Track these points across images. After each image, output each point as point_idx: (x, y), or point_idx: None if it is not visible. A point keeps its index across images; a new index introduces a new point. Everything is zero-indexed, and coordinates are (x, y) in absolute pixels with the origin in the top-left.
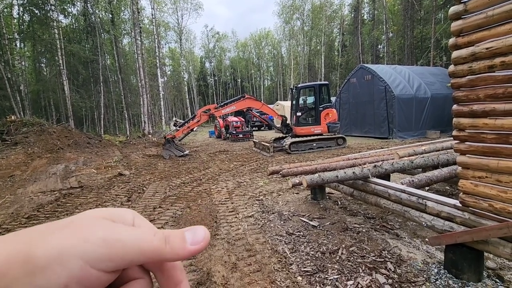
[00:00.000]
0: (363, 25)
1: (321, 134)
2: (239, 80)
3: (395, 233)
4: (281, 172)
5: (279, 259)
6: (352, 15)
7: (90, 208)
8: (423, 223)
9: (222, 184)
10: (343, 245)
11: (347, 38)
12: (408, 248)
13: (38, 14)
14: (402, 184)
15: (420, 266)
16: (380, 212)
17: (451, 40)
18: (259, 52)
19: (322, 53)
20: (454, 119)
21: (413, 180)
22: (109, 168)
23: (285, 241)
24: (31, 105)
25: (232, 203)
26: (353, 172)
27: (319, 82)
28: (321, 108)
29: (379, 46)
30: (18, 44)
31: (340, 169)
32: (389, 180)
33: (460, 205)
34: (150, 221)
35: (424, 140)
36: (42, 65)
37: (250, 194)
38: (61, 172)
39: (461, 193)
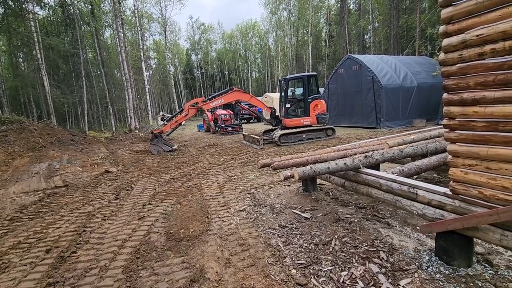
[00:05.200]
0: (350, 15)
1: (310, 126)
2: (227, 73)
3: (386, 222)
4: (272, 165)
5: (273, 252)
6: (339, 4)
7: (77, 208)
8: (415, 211)
9: (213, 179)
10: (336, 236)
11: (333, 29)
12: (399, 237)
13: (13, 6)
14: (393, 174)
15: (412, 254)
16: (371, 202)
17: (441, 28)
18: (246, 44)
19: (309, 43)
20: (445, 108)
21: (403, 170)
22: (95, 166)
23: (278, 234)
24: (10, 102)
25: (224, 197)
26: (345, 163)
27: (307, 73)
28: (310, 99)
29: (366, 36)
30: None
31: (331, 160)
32: (379, 170)
33: (451, 193)
34: (140, 218)
35: (411, 129)
36: (20, 59)
37: (241, 188)
38: (45, 171)
39: (452, 181)
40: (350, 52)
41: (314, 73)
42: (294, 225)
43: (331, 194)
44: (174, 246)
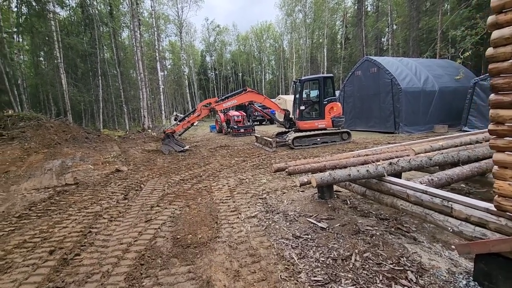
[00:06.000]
0: (367, 17)
1: (325, 129)
2: (240, 74)
3: (412, 236)
4: (287, 170)
5: (286, 266)
6: (356, 6)
7: (85, 207)
8: (449, 228)
9: (223, 181)
10: (356, 251)
11: (350, 31)
12: (429, 255)
13: (36, 6)
14: (421, 184)
15: (445, 276)
16: (394, 213)
17: (491, 18)
18: (260, 46)
19: (324, 46)
20: (491, 111)
21: (432, 179)
22: (107, 164)
23: (292, 245)
24: (30, 99)
25: (234, 201)
26: (367, 170)
27: (323, 75)
28: (326, 102)
29: (383, 39)
30: (16, 38)
31: (351, 166)
32: (400, 178)
33: (495, 209)
34: (147, 221)
35: (431, 135)
36: (41, 58)
37: (252, 192)
38: (57, 168)
39: (497, 195)
40: (367, 54)
41: (331, 74)
42: (310, 236)
43: (349, 202)
44: (181, 253)
